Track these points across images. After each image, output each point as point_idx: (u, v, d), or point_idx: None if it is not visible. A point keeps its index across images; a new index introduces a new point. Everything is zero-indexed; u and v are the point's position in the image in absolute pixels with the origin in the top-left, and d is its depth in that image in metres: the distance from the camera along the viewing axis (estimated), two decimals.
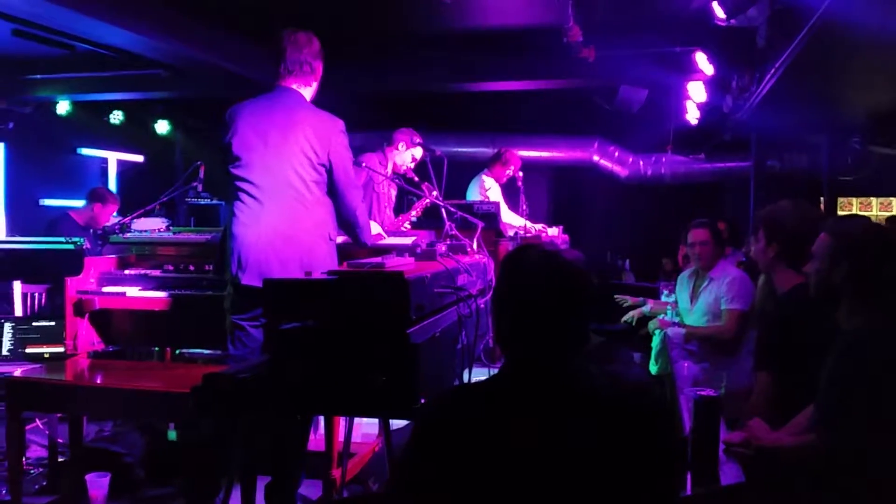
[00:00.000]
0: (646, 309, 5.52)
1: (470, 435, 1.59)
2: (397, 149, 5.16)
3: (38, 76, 7.63)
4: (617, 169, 10.16)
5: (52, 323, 3.63)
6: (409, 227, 4.88)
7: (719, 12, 4.98)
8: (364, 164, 4.71)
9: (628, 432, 1.58)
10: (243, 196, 3.20)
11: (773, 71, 5.34)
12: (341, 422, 3.54)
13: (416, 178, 4.65)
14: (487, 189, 6.35)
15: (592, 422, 1.58)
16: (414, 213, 5.00)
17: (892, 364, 2.23)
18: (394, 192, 5.30)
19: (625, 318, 5.61)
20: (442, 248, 3.30)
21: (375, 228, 3.96)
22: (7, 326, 3.83)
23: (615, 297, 5.76)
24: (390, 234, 4.12)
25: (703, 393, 2.39)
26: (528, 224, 5.70)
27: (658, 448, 1.61)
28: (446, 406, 1.71)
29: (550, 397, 1.61)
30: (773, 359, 2.79)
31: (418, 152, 5.15)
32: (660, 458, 1.61)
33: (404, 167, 5.16)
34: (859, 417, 2.21)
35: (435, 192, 4.35)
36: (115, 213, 6.25)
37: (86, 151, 8.93)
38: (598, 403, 1.61)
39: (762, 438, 2.42)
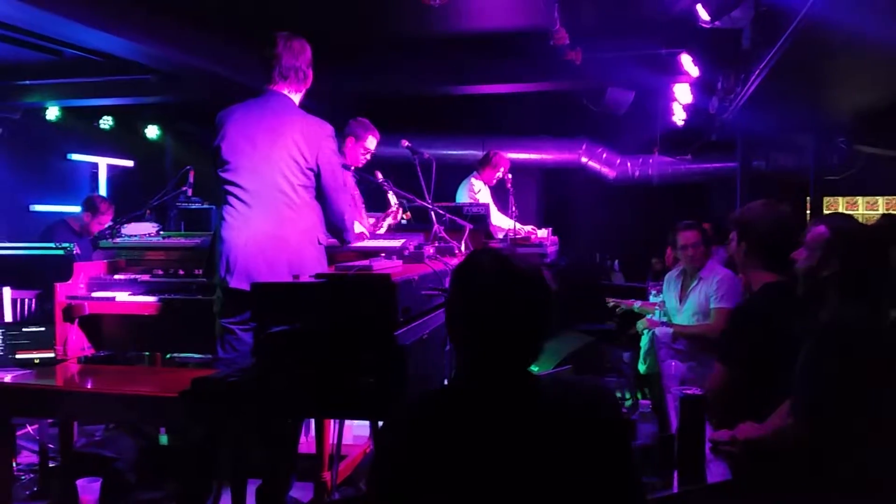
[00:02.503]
0: (635, 306, 5.56)
1: (428, 440, 1.58)
2: (347, 144, 4.87)
3: (27, 82, 7.62)
4: (605, 170, 10.21)
5: (42, 328, 3.62)
6: (383, 231, 4.67)
7: (704, 14, 5.02)
8: (352, 168, 4.71)
9: (581, 439, 1.57)
10: (232, 200, 3.21)
11: (757, 72, 5.38)
12: (332, 424, 3.56)
13: (383, 182, 4.40)
14: (477, 191, 6.38)
15: (543, 429, 1.57)
16: (390, 219, 4.76)
17: (864, 353, 2.31)
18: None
19: (614, 306, 5.65)
20: (430, 250, 3.33)
21: (358, 228, 3.95)
22: None
23: (608, 301, 5.80)
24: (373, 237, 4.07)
25: (688, 391, 2.42)
26: (518, 226, 5.72)
27: (613, 453, 1.60)
28: (408, 412, 1.71)
29: (501, 404, 1.59)
30: (732, 353, 2.85)
31: (371, 143, 4.88)
32: (615, 463, 1.60)
33: (360, 162, 4.89)
34: (834, 401, 2.27)
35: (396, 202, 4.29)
36: (109, 223, 6.26)
37: (76, 157, 8.90)
38: (548, 411, 1.60)
39: (747, 433, 2.46)
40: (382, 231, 4.65)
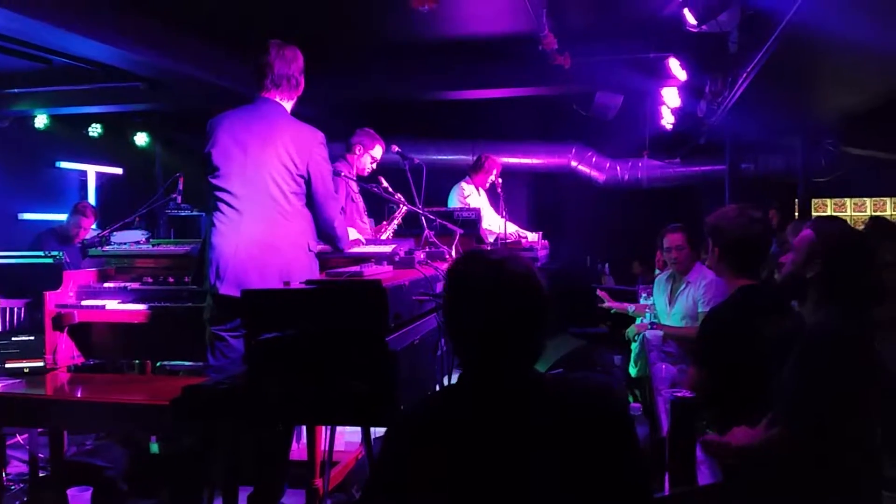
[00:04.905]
0: (630, 310, 5.58)
1: (434, 442, 1.59)
2: (355, 153, 5.00)
3: (16, 90, 7.61)
4: (595, 174, 10.24)
5: (32, 337, 3.61)
6: (390, 236, 4.78)
7: (691, 18, 5.05)
8: (343, 174, 4.71)
9: (589, 436, 1.57)
10: (222, 206, 3.20)
11: (745, 75, 5.42)
12: (323, 430, 3.55)
13: (388, 186, 4.46)
14: (467, 196, 6.37)
15: (552, 427, 1.57)
16: (396, 221, 4.82)
17: (850, 358, 2.32)
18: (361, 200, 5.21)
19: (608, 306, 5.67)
20: (420, 255, 3.32)
21: (353, 234, 3.96)
22: None
23: (601, 301, 5.81)
24: (370, 242, 4.10)
25: (679, 394, 2.42)
26: (510, 228, 5.73)
27: (622, 449, 1.60)
28: (415, 415, 1.71)
29: (509, 405, 1.60)
30: (704, 356, 2.88)
31: (377, 152, 4.99)
32: (625, 458, 1.60)
33: (367, 170, 5.02)
34: (822, 407, 2.28)
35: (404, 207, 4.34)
36: (93, 226, 6.26)
37: (65, 165, 8.89)
38: (556, 408, 1.60)
39: (741, 439, 2.47)
40: (386, 236, 4.71)
